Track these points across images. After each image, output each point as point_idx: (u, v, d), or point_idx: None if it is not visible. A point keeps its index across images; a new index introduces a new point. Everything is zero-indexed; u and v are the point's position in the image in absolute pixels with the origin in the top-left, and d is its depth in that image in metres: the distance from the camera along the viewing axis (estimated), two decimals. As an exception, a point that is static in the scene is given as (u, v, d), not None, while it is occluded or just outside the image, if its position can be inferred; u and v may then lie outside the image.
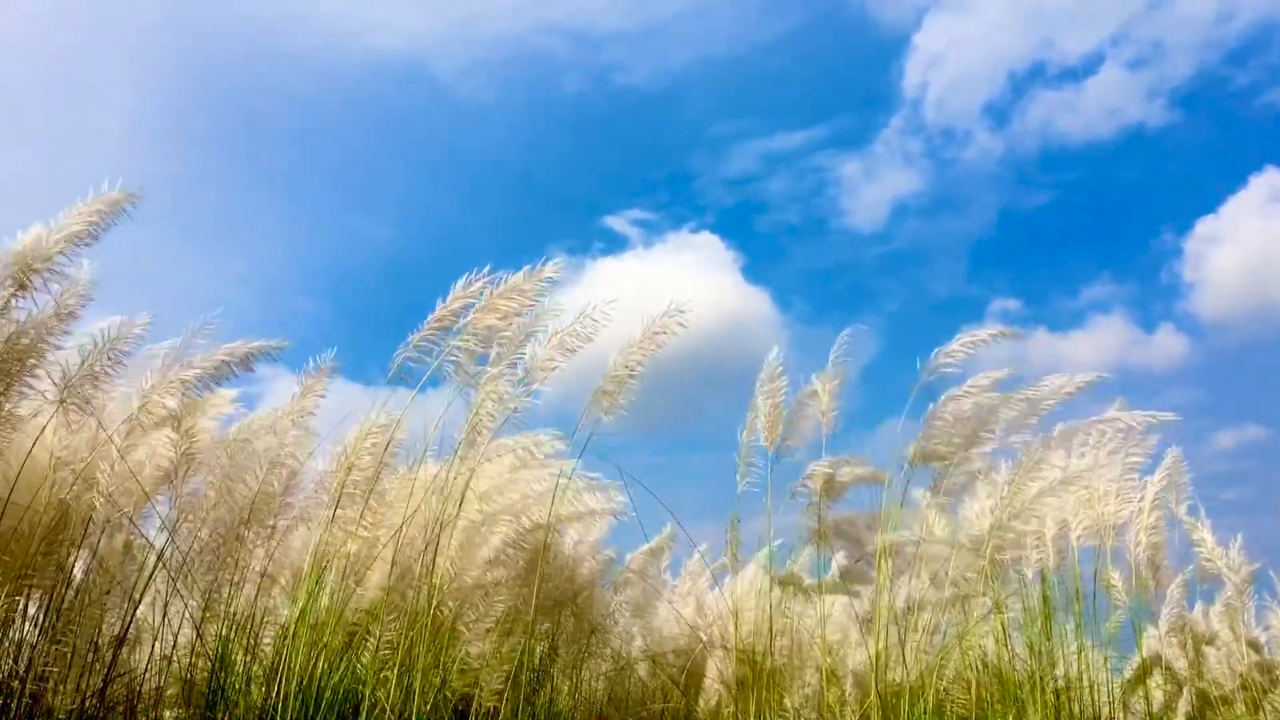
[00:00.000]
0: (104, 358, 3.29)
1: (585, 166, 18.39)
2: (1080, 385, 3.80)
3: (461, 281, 3.50)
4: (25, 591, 3.22)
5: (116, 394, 3.55)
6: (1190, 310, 15.33)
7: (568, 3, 17.42)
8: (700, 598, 5.37)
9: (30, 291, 3.04)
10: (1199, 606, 5.32)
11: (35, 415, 3.27)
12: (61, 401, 3.18)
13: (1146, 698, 4.65)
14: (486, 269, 3.52)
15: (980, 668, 4.14)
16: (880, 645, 3.73)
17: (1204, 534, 5.24)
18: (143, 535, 3.61)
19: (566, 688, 4.67)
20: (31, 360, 3.06)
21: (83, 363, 3.23)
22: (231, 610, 3.54)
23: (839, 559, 4.69)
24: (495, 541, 3.49)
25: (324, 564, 3.23)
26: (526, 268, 3.51)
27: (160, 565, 3.52)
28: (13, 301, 3.01)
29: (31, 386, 3.11)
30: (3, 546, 3.10)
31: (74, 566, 3.44)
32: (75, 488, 3.32)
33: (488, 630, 3.50)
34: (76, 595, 3.39)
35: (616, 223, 16.25)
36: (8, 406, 3.02)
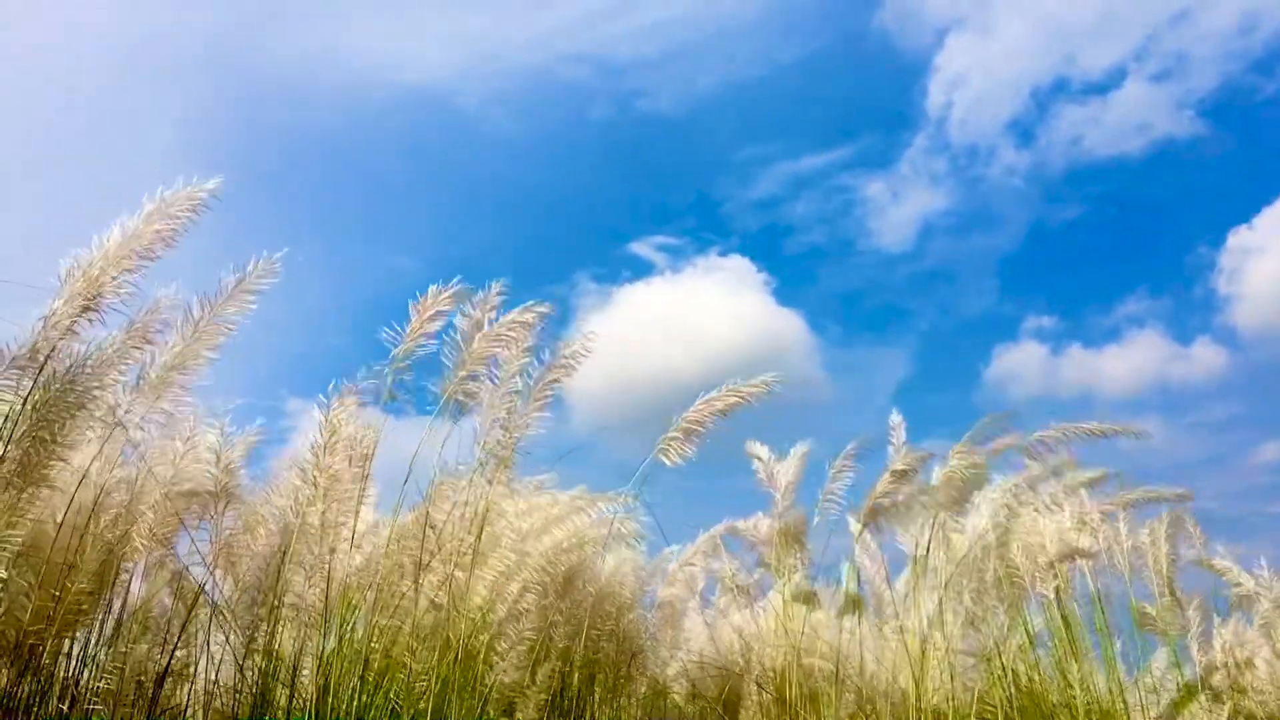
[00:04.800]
0: (167, 387, 3.20)
1: (611, 194, 18.55)
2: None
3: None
4: (70, 632, 3.30)
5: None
6: (1228, 322, 15.03)
7: (590, 31, 17.67)
8: (732, 621, 5.35)
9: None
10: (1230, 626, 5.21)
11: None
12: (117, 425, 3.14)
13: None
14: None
15: (1014, 689, 4.08)
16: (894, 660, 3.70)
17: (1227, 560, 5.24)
18: (191, 577, 3.69)
19: (606, 715, 4.66)
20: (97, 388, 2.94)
21: (151, 388, 3.14)
22: (272, 646, 3.58)
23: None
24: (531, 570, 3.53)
25: (360, 594, 3.28)
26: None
27: (201, 602, 3.59)
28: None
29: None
30: (51, 585, 3.18)
31: (114, 604, 3.52)
32: (119, 526, 3.39)
33: (520, 659, 3.52)
34: (117, 632, 3.46)
35: (643, 249, 16.33)
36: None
